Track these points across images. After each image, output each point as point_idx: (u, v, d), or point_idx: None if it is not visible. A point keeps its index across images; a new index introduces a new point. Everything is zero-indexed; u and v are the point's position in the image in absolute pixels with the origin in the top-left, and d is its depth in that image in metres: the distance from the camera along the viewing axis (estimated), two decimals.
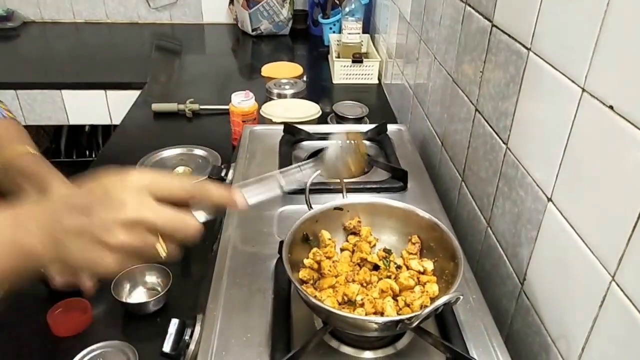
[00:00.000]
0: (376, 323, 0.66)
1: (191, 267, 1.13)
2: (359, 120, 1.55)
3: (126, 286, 1.00)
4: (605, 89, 0.62)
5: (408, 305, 0.73)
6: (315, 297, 0.72)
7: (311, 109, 1.62)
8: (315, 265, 0.78)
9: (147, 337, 0.94)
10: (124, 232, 0.56)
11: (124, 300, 0.97)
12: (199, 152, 1.51)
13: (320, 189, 1.05)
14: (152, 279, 1.02)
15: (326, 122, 1.65)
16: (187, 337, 0.78)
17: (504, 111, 0.88)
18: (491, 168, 0.94)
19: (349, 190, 0.89)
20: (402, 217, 0.84)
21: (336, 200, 0.86)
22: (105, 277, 0.87)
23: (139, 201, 0.57)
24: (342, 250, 0.84)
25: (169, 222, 0.59)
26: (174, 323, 0.79)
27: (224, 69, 2.32)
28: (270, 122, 1.54)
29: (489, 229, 0.96)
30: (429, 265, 0.79)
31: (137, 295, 1.01)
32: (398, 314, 0.72)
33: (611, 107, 0.61)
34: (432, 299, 0.75)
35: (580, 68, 0.67)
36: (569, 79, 0.69)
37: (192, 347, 0.77)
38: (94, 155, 2.63)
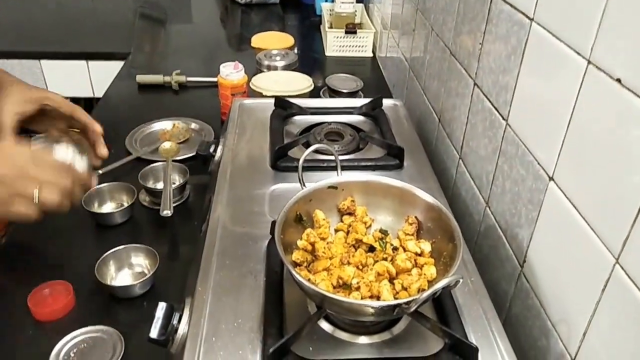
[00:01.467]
0: (372, 307, 0.64)
1: (179, 249, 1.10)
2: (353, 95, 1.51)
3: (111, 268, 0.96)
4: (613, 60, 0.58)
5: (405, 289, 0.70)
6: (309, 280, 0.69)
7: (303, 82, 1.57)
8: (309, 247, 0.75)
9: (133, 321, 0.90)
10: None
11: (108, 283, 0.94)
12: (190, 124, 1.47)
13: (313, 166, 1.01)
14: (138, 260, 0.98)
15: (319, 96, 1.61)
16: (175, 322, 0.75)
17: (505, 85, 0.84)
18: (490, 145, 0.91)
19: (343, 168, 0.86)
20: (399, 196, 0.81)
21: (331, 178, 0.82)
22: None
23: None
24: (336, 231, 0.81)
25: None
26: (162, 307, 0.76)
27: (211, 39, 2.25)
28: (261, 95, 1.50)
29: (487, 208, 0.93)
30: (426, 246, 0.76)
31: (123, 278, 0.97)
32: (395, 298, 0.69)
33: (619, 81, 0.57)
34: (430, 282, 0.73)
35: (585, 38, 0.63)
36: (573, 50, 0.66)
37: (180, 332, 0.75)
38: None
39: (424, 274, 0.73)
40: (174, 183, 1.18)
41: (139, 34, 2.24)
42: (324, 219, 0.79)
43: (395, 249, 0.76)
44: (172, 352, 0.74)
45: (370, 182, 0.82)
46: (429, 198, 0.78)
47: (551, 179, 0.71)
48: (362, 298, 0.69)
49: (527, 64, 0.78)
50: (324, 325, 0.72)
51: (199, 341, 0.70)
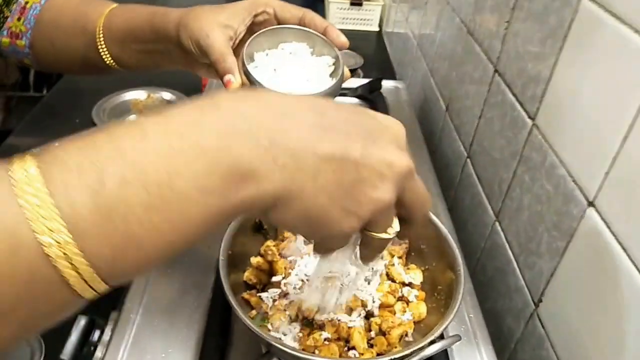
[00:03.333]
0: None
1: None
2: (351, 73, 1.32)
3: None
4: None
5: (384, 334, 0.53)
6: (255, 316, 0.52)
7: None
8: (265, 266, 0.59)
9: (58, 327, 0.74)
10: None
11: None
12: (166, 95, 1.29)
13: None
14: None
15: None
16: (95, 339, 0.60)
17: (535, 76, 0.67)
18: (508, 148, 0.73)
19: None
20: None
21: None
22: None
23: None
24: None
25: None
26: (80, 321, 0.60)
27: (203, 1, 2.05)
28: None
29: (497, 223, 0.76)
30: (417, 276, 0.59)
31: None
32: (369, 345, 0.53)
33: None
34: (418, 324, 0.56)
35: None
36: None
37: (98, 355, 0.59)
38: None
39: (411, 312, 0.56)
40: None
41: None
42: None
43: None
44: None
45: None
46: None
47: (591, 204, 0.54)
48: (326, 341, 0.52)
49: (570, 51, 0.60)
50: None
51: None
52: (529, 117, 0.68)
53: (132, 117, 1.12)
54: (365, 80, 1.08)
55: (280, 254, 0.59)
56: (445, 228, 0.59)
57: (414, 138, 0.96)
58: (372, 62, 1.46)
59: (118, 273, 0.30)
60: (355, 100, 1.04)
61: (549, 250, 0.62)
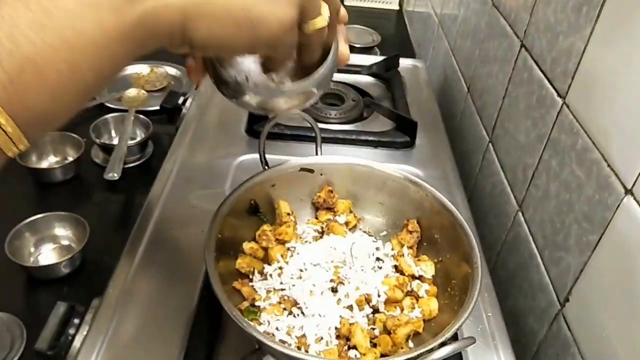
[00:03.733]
0: None
1: (128, 220, 0.89)
2: (367, 50, 1.26)
3: (29, 242, 0.75)
4: None
5: (389, 333, 0.48)
6: (247, 309, 0.47)
7: None
8: (260, 253, 0.53)
9: (41, 315, 0.70)
10: None
11: (24, 261, 0.74)
12: (170, 70, 1.23)
13: (299, 135, 0.78)
14: (62, 232, 0.77)
15: None
16: (72, 331, 0.55)
17: (567, 49, 0.59)
18: (535, 130, 0.66)
19: (330, 141, 0.63)
20: (398, 190, 0.58)
21: (306, 158, 0.59)
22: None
23: None
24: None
25: None
26: (58, 308, 0.56)
27: None
28: None
29: (520, 214, 0.70)
30: (429, 268, 0.53)
31: (46, 255, 0.77)
32: (370, 347, 0.47)
33: None
34: (427, 322, 0.50)
35: None
36: None
37: (76, 345, 0.54)
38: None
39: (421, 309, 0.50)
40: (132, 139, 0.96)
41: None
42: (288, 214, 0.56)
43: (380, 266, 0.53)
44: None
45: (358, 166, 0.58)
46: (439, 197, 0.55)
47: (629, 192, 0.47)
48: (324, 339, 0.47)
49: (607, 21, 0.53)
50: None
51: None
52: (559, 95, 0.60)
53: (132, 90, 1.06)
54: (380, 58, 1.01)
55: (277, 240, 0.54)
56: (461, 215, 0.53)
57: (432, 121, 0.90)
58: (391, 42, 1.39)
59: (23, 107, 0.28)
60: (369, 78, 0.98)
61: (578, 244, 0.55)
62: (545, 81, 0.64)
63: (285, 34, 0.35)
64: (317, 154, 0.60)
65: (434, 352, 0.40)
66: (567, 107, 0.59)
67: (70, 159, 0.91)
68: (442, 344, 0.42)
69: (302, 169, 0.57)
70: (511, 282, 0.71)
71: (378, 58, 1.01)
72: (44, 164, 0.91)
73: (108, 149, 0.93)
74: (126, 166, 0.93)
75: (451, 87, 1.06)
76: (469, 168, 0.90)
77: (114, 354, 0.51)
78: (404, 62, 1.02)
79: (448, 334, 0.42)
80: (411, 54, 1.41)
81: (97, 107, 1.08)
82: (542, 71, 0.65)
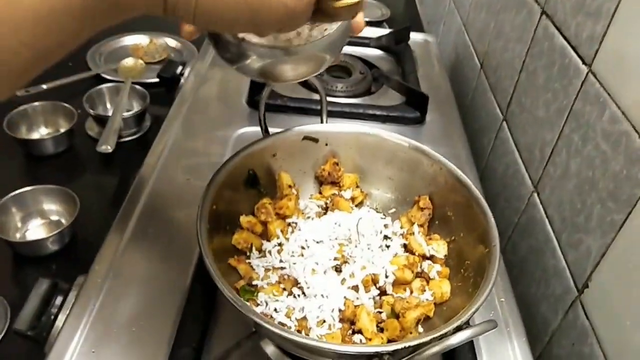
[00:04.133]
0: (334, 352, 0.38)
1: (121, 195, 0.85)
2: (375, 25, 1.21)
3: (15, 217, 0.72)
4: None
5: (397, 317, 0.44)
6: (242, 288, 0.43)
7: None
8: (258, 228, 0.49)
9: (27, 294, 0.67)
10: None
11: (9, 238, 0.70)
12: (170, 41, 1.19)
13: (304, 107, 0.73)
14: (51, 206, 0.73)
15: None
16: (54, 310, 0.51)
17: (594, 12, 0.55)
18: (556, 103, 0.62)
19: (336, 115, 0.58)
20: (409, 163, 0.53)
21: (310, 125, 0.55)
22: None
23: None
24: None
25: None
26: (40, 285, 0.52)
27: None
28: None
29: (535, 195, 0.65)
30: (441, 248, 0.49)
31: (33, 231, 0.73)
32: (379, 329, 0.43)
33: None
34: (439, 305, 0.46)
35: None
36: None
37: (58, 325, 0.50)
38: None
39: (432, 291, 0.46)
40: (128, 111, 0.92)
41: None
42: (290, 186, 0.52)
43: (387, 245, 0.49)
44: (45, 351, 0.50)
45: (366, 136, 0.54)
46: (454, 170, 0.51)
47: None
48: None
49: None
50: (267, 346, 0.46)
51: (73, 349, 0.45)
52: (584, 62, 0.56)
53: (129, 60, 1.02)
54: (389, 30, 0.96)
55: (277, 214, 0.50)
56: (478, 193, 0.49)
57: (444, 97, 0.85)
58: (399, 19, 1.33)
59: None
60: (377, 51, 0.93)
61: (600, 225, 0.51)
62: (569, 49, 0.59)
63: (294, 16, 0.32)
64: (322, 122, 0.56)
65: (450, 338, 0.36)
66: (594, 75, 0.54)
67: (62, 130, 0.87)
68: (458, 329, 0.38)
69: (306, 138, 0.53)
70: (522, 268, 0.67)
71: (387, 30, 0.96)
72: (35, 135, 0.88)
73: (102, 121, 0.89)
74: (122, 140, 0.90)
75: (462, 65, 1.01)
76: (480, 149, 0.86)
77: (98, 336, 0.47)
78: (415, 37, 0.97)
79: (464, 318, 0.38)
80: (421, 30, 1.35)
81: (93, 78, 1.04)
82: (565, 38, 0.60)
